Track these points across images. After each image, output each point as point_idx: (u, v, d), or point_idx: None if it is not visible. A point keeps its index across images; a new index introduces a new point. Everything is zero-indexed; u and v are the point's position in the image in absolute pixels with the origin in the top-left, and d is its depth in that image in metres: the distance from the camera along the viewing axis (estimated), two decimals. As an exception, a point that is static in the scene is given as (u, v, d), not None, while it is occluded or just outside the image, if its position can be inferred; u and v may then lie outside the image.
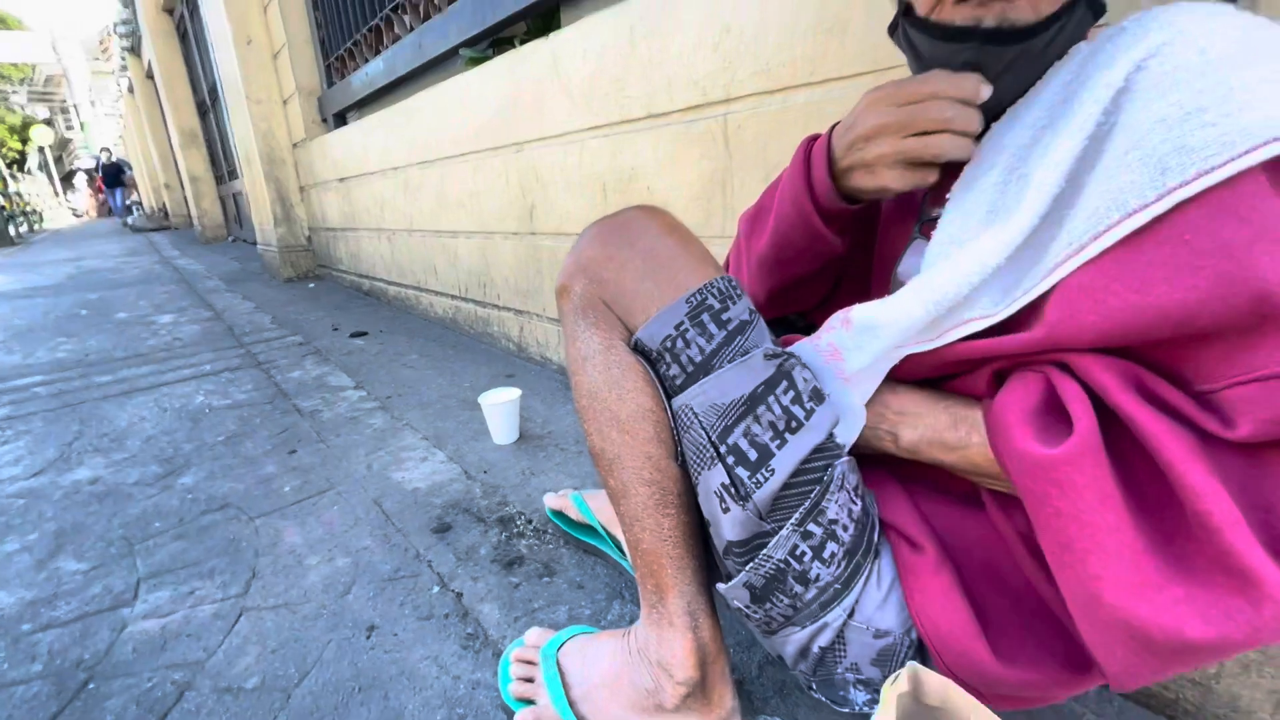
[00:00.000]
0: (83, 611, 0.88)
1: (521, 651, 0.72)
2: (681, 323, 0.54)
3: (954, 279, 0.44)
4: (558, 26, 1.65)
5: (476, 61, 1.92)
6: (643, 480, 0.58)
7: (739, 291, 0.56)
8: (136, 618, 0.87)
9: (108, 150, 14.03)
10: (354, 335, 2.42)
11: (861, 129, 0.50)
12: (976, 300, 0.45)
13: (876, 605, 0.53)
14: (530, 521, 1.05)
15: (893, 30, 0.53)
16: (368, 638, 0.81)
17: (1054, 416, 0.41)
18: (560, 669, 0.67)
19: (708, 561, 0.61)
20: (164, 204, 11.80)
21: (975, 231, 0.45)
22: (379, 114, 2.57)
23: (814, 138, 0.59)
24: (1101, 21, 0.46)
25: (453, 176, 2.12)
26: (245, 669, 0.76)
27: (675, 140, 1.24)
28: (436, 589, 0.90)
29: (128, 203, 13.49)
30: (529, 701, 0.67)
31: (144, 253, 6.62)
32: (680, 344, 0.54)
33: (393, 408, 1.62)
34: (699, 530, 0.60)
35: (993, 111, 0.48)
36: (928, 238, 0.56)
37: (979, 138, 0.49)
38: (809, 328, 0.81)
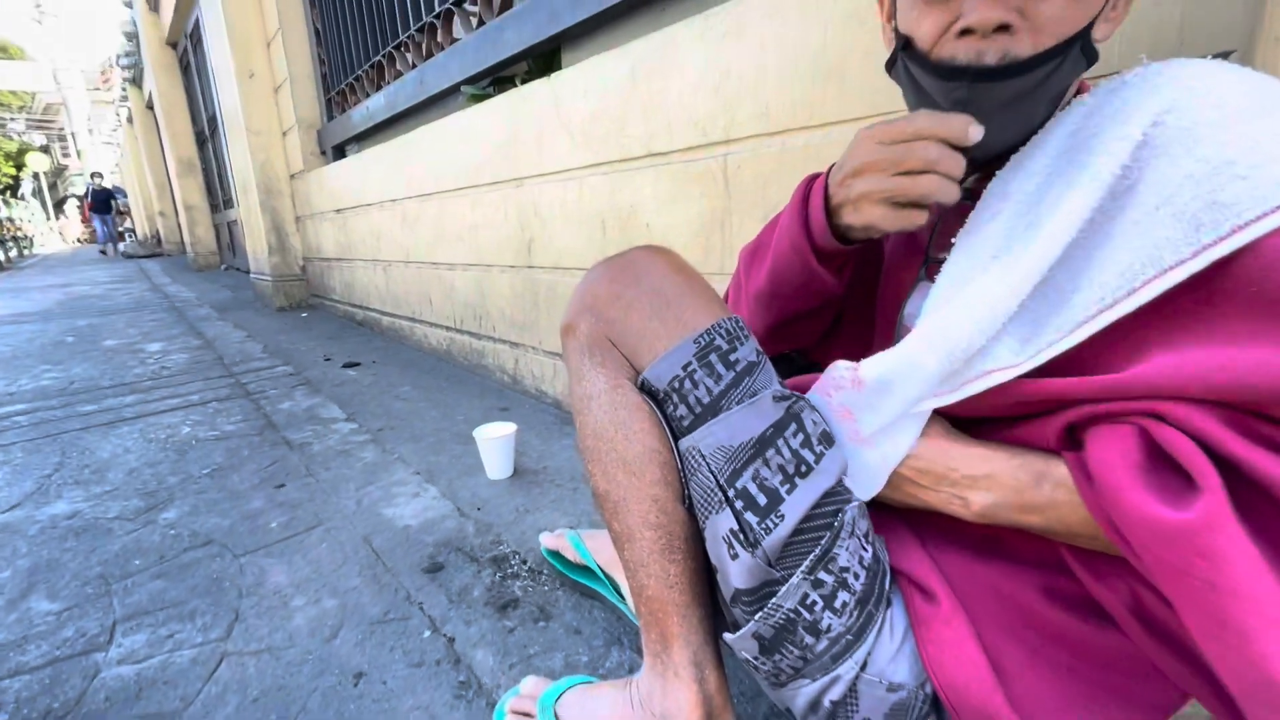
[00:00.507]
0: (54, 656, 0.84)
1: (517, 702, 0.69)
2: (689, 363, 0.53)
3: (964, 327, 0.44)
4: (559, 67, 1.68)
5: (478, 99, 1.95)
6: (649, 524, 0.56)
7: (746, 332, 0.55)
8: (111, 663, 0.83)
9: (99, 175, 13.36)
10: (346, 366, 2.40)
11: (849, 166, 0.50)
12: (993, 350, 0.44)
13: (889, 657, 0.51)
14: (525, 561, 1.02)
15: (890, 66, 0.53)
16: (355, 685, 0.77)
17: (1166, 475, 0.38)
18: (558, 721, 0.65)
19: (714, 609, 0.59)
20: (157, 231, 11.81)
21: (980, 277, 0.45)
22: (378, 147, 2.60)
23: (814, 176, 0.60)
24: (1092, 71, 0.47)
25: (451, 210, 2.14)
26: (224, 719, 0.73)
27: (675, 179, 1.26)
28: (428, 633, 0.87)
29: (120, 229, 13.24)
30: (525, 757, 0.64)
31: (135, 280, 6.58)
32: (688, 385, 0.53)
33: (384, 441, 1.59)
34: (706, 577, 0.58)
35: (994, 152, 0.48)
36: (933, 280, 0.56)
37: (984, 184, 0.50)
38: (809, 365, 0.81)
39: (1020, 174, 0.47)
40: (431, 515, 1.19)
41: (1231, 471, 0.36)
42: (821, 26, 0.94)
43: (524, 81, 1.79)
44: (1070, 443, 0.44)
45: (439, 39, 2.14)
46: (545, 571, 1.00)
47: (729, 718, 0.59)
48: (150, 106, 8.94)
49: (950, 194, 0.46)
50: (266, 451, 1.55)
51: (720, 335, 0.54)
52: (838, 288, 0.61)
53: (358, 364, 2.42)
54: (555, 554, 0.98)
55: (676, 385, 0.54)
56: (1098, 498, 0.40)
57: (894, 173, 0.47)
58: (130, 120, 10.75)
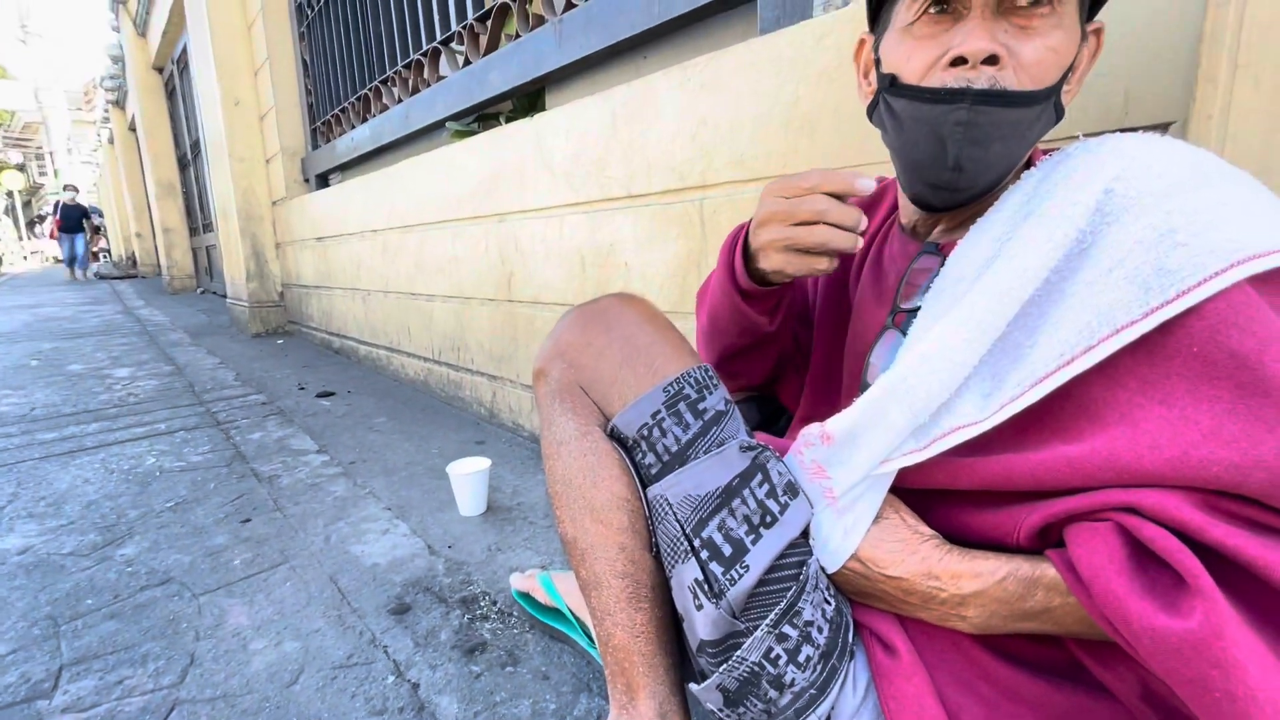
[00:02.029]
0: (-6, 704, 0.80)
1: (480, 753, 0.67)
2: (659, 411, 0.54)
3: (925, 379, 0.45)
4: (543, 108, 1.72)
5: (462, 135, 1.98)
6: (616, 573, 0.56)
7: (715, 381, 0.56)
8: (54, 712, 0.79)
9: (73, 188, 11.15)
10: (321, 395, 2.37)
11: (757, 217, 0.54)
12: (957, 406, 0.45)
13: (852, 712, 0.51)
14: (495, 603, 1.01)
15: (871, 110, 0.55)
16: (312, 736, 0.75)
17: (1156, 572, 0.38)
18: (521, 775, 0.63)
19: (681, 659, 0.59)
20: (133, 253, 11.61)
21: (940, 331, 0.46)
22: (362, 178, 2.61)
23: (746, 224, 0.63)
24: (1048, 136, 0.50)
25: (432, 242, 2.15)
26: (172, 774, 0.70)
27: (653, 220, 1.29)
28: (392, 678, 0.84)
29: (94, 250, 12.33)
30: (486, 812, 0.63)
31: (106, 302, 6.46)
32: (657, 433, 0.54)
33: (356, 474, 1.57)
34: (672, 626, 0.58)
35: (978, 188, 0.50)
36: (899, 328, 0.58)
37: (952, 242, 0.52)
38: (779, 410, 0.82)
39: (981, 239, 0.49)
40: (401, 553, 1.17)
41: (1214, 556, 0.36)
42: (795, 82, 0.99)
43: (508, 120, 1.83)
44: (1048, 538, 0.44)
45: (425, 76, 2.18)
46: (515, 613, 0.98)
47: (694, 770, 0.58)
48: (133, 129, 8.90)
49: (844, 242, 0.49)
50: (234, 484, 1.52)
51: (689, 384, 0.55)
52: (768, 326, 0.65)
53: (332, 394, 2.39)
54: (525, 596, 0.96)
55: (645, 433, 0.54)
56: (1096, 604, 0.39)
57: (790, 223, 0.50)
58: (111, 141, 10.67)
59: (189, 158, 6.79)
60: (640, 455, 0.55)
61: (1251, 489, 0.36)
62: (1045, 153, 0.51)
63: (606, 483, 0.56)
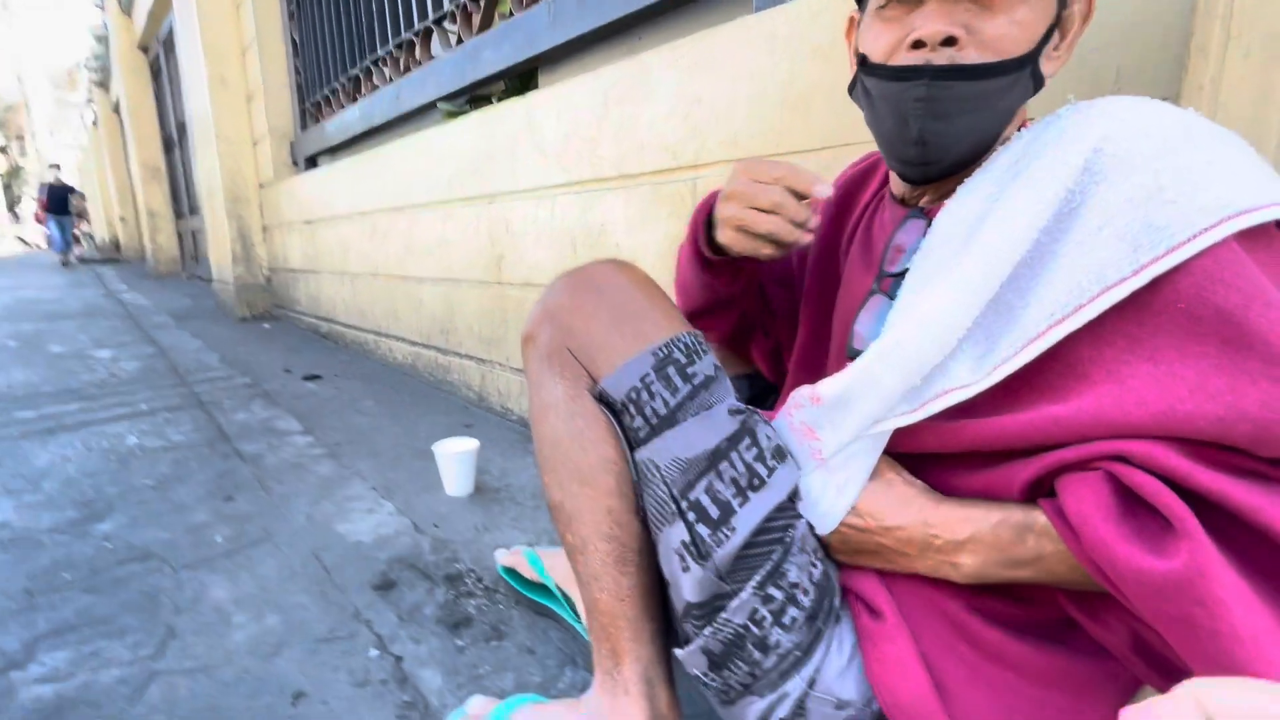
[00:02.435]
0: (-34, 674, 0.79)
1: (462, 722, 0.67)
2: (647, 374, 0.54)
3: (919, 343, 0.45)
4: (535, 87, 1.71)
5: (453, 115, 1.96)
6: (602, 535, 0.56)
7: (705, 347, 0.56)
8: (29, 682, 0.78)
9: (57, 168, 10.64)
10: (307, 378, 2.34)
11: (724, 189, 0.56)
12: (951, 368, 0.45)
13: (837, 674, 0.51)
14: (480, 580, 1.00)
15: (851, 88, 0.56)
16: (294, 705, 0.74)
17: (1144, 518, 0.39)
18: (504, 742, 0.63)
19: (667, 626, 0.59)
20: (116, 237, 11.43)
21: (934, 295, 0.46)
22: (351, 159, 2.58)
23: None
24: (1042, 109, 0.50)
25: (422, 223, 2.13)
26: (149, 742, 0.69)
27: (645, 200, 1.28)
28: (375, 652, 0.84)
29: (77, 232, 11.95)
30: (468, 779, 0.62)
31: (89, 285, 6.35)
32: (645, 396, 0.54)
33: (342, 455, 1.55)
34: (658, 591, 0.58)
35: (951, 159, 0.50)
36: (885, 292, 0.58)
37: (938, 207, 0.52)
38: (768, 388, 0.82)
39: (970, 199, 0.49)
40: (386, 531, 1.16)
41: (1202, 502, 0.37)
42: (789, 60, 0.98)
43: (500, 100, 1.81)
44: (1040, 491, 0.44)
45: (417, 56, 2.15)
46: (501, 590, 0.97)
47: (679, 736, 0.58)
48: (117, 110, 8.74)
49: (791, 236, 0.52)
50: (216, 463, 1.50)
51: (679, 349, 0.55)
52: (725, 290, 0.67)
53: (319, 377, 2.36)
54: (511, 571, 0.96)
55: (634, 396, 0.54)
56: (1085, 550, 0.40)
57: (748, 205, 0.53)
58: (95, 123, 10.48)
59: (174, 140, 6.68)
60: (628, 419, 0.55)
61: (1237, 440, 0.36)
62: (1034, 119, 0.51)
63: (594, 446, 0.55)
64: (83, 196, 11.02)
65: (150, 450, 1.58)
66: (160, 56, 6.39)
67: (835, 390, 0.50)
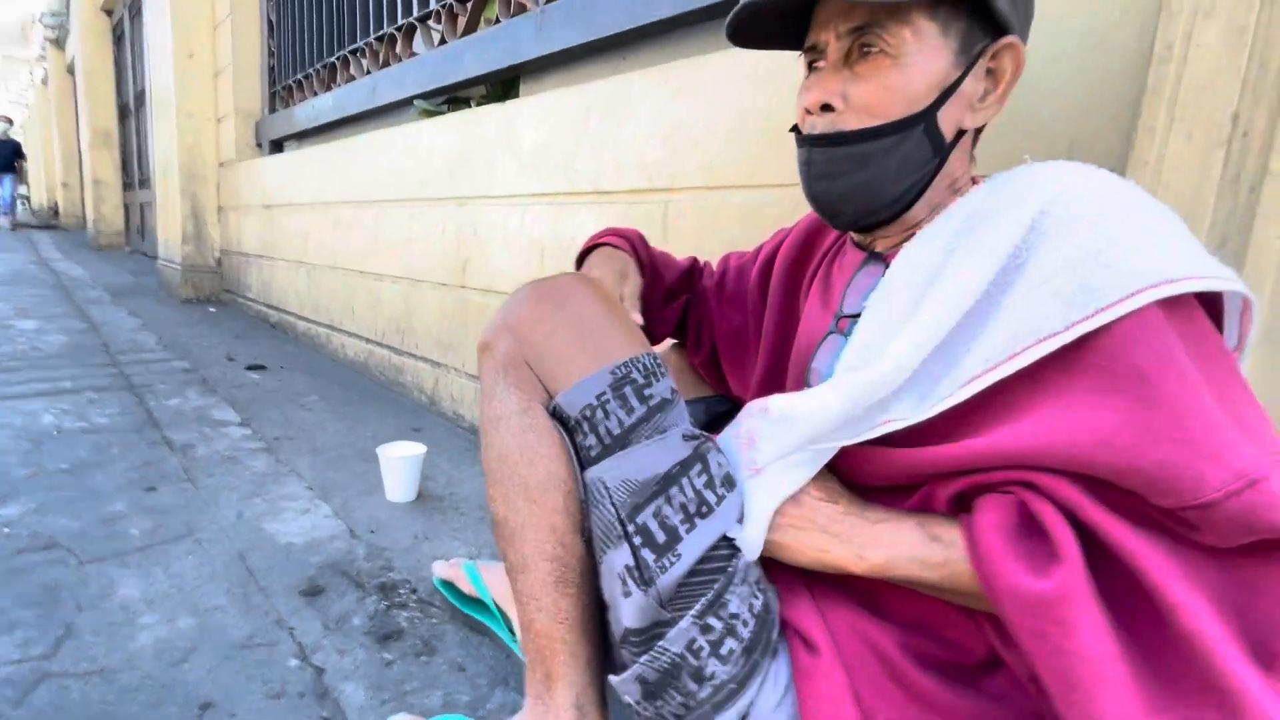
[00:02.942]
0: None
1: (382, 743, 0.64)
2: (604, 393, 0.53)
3: (872, 378, 0.47)
4: (516, 96, 1.70)
5: (430, 114, 1.94)
6: (545, 554, 0.54)
7: (663, 370, 0.56)
8: (-103, 678, 0.71)
9: (8, 121, 9.56)
10: (250, 368, 2.24)
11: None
12: (892, 405, 0.47)
13: (771, 708, 0.51)
14: (415, 591, 0.96)
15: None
16: (198, 718, 0.69)
17: (1035, 541, 0.41)
18: (424, 765, 0.60)
19: (604, 653, 0.58)
20: (56, 203, 10.79)
21: (889, 336, 0.48)
22: (320, 147, 2.51)
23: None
24: (981, 172, 0.54)
25: (388, 220, 2.08)
26: (30, 752, 0.63)
27: (617, 218, 1.28)
28: (295, 662, 0.79)
29: (16, 195, 11.03)
30: (382, 804, 0.59)
31: (19, 250, 5.97)
32: (600, 414, 0.53)
33: (280, 451, 1.49)
34: (597, 616, 0.56)
35: (850, 216, 0.55)
36: (842, 332, 0.59)
37: (894, 252, 0.54)
38: (726, 414, 0.82)
39: (926, 248, 0.51)
40: (319, 534, 1.11)
41: (1093, 537, 0.40)
42: (769, 95, 1.00)
43: (479, 105, 1.80)
44: (962, 508, 0.47)
45: (398, 51, 2.12)
46: (436, 603, 0.94)
47: (607, 766, 0.57)
48: (71, 71, 8.32)
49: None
50: (142, 450, 1.41)
51: (637, 369, 0.54)
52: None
53: (263, 367, 2.26)
54: (448, 584, 0.93)
55: (588, 414, 0.53)
56: (975, 560, 0.43)
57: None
58: (45, 82, 9.95)
59: (131, 108, 6.39)
60: (581, 437, 0.54)
61: (1134, 487, 0.39)
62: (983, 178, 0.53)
63: (544, 461, 0.54)
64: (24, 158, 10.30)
65: (69, 432, 1.48)
66: (125, 21, 6.13)
67: (783, 406, 0.51)
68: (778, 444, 0.51)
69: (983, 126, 0.53)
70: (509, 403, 0.56)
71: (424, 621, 0.89)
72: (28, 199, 13.30)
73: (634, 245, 0.77)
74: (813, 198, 0.55)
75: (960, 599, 0.48)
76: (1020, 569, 0.40)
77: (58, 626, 0.81)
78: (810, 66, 0.55)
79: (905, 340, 0.46)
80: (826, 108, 0.52)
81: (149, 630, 0.82)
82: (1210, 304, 0.43)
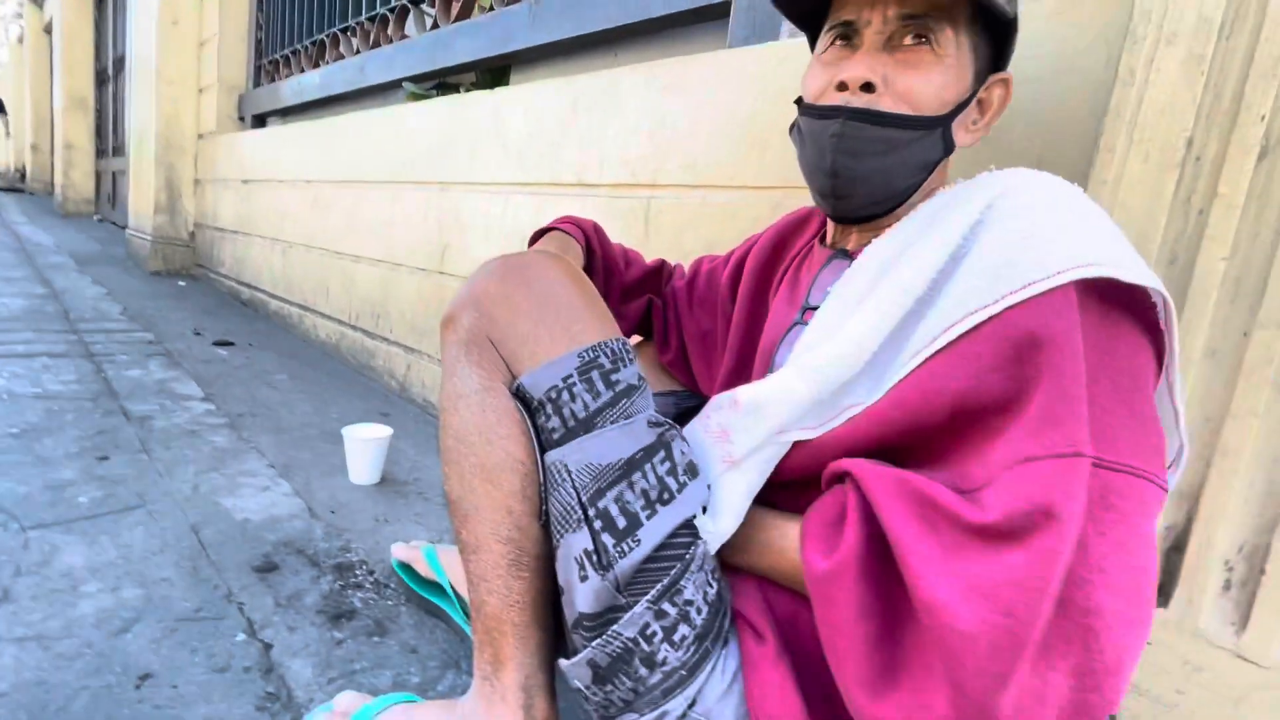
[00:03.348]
0: None
1: (327, 718, 0.63)
2: (570, 375, 0.53)
3: (833, 360, 0.48)
4: (507, 85, 1.69)
5: (418, 97, 1.92)
6: (499, 537, 0.54)
7: (631, 356, 0.56)
8: None
9: None
10: (218, 344, 2.19)
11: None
12: (854, 388, 0.48)
13: (719, 696, 0.51)
14: (372, 573, 0.95)
15: (792, 129, 0.59)
16: (137, 688, 0.67)
17: (838, 527, 0.45)
18: (369, 743, 0.59)
19: (555, 637, 0.57)
20: (24, 165, 10.42)
21: (849, 320, 0.50)
22: (303, 124, 2.47)
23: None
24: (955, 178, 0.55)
25: (369, 201, 2.05)
26: (-45, 715, 0.61)
27: (600, 211, 1.28)
28: (242, 636, 0.78)
29: None
30: (323, 779, 0.58)
31: (-19, 211, 5.76)
32: (566, 396, 0.53)
33: (242, 427, 1.45)
34: (550, 600, 0.56)
35: (860, 205, 0.55)
36: (806, 324, 0.60)
37: (861, 249, 0.56)
38: (693, 410, 0.83)
39: (889, 242, 0.53)
40: (278, 512, 1.09)
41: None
42: (754, 98, 1.02)
43: (469, 92, 1.79)
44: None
45: (389, 32, 2.10)
46: (392, 586, 0.93)
47: (554, 748, 0.56)
48: (49, 31, 8.05)
49: None
50: (96, 419, 1.37)
51: (605, 354, 0.54)
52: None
53: (231, 344, 2.21)
54: (406, 567, 0.92)
55: (553, 395, 0.53)
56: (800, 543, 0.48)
57: None
58: (21, 40, 9.62)
59: (109, 74, 6.21)
60: (544, 419, 0.54)
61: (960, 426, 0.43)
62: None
63: (502, 442, 0.54)
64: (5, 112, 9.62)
65: (18, 396, 1.43)
66: (108, -17, 5.96)
67: (752, 396, 0.52)
68: (750, 435, 0.52)
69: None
70: (470, 381, 0.55)
71: (378, 603, 0.88)
72: (-6, 160, 12.79)
73: (587, 234, 0.78)
74: (830, 173, 0.53)
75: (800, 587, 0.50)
76: (817, 551, 0.45)
77: (-6, 591, 0.79)
78: (841, 41, 0.54)
79: (863, 322, 0.48)
80: (868, 86, 0.51)
81: (91, 599, 0.80)
82: (1146, 313, 0.44)
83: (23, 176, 10.39)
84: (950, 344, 0.44)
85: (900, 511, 0.41)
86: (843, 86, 0.52)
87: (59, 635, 0.73)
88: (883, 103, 0.51)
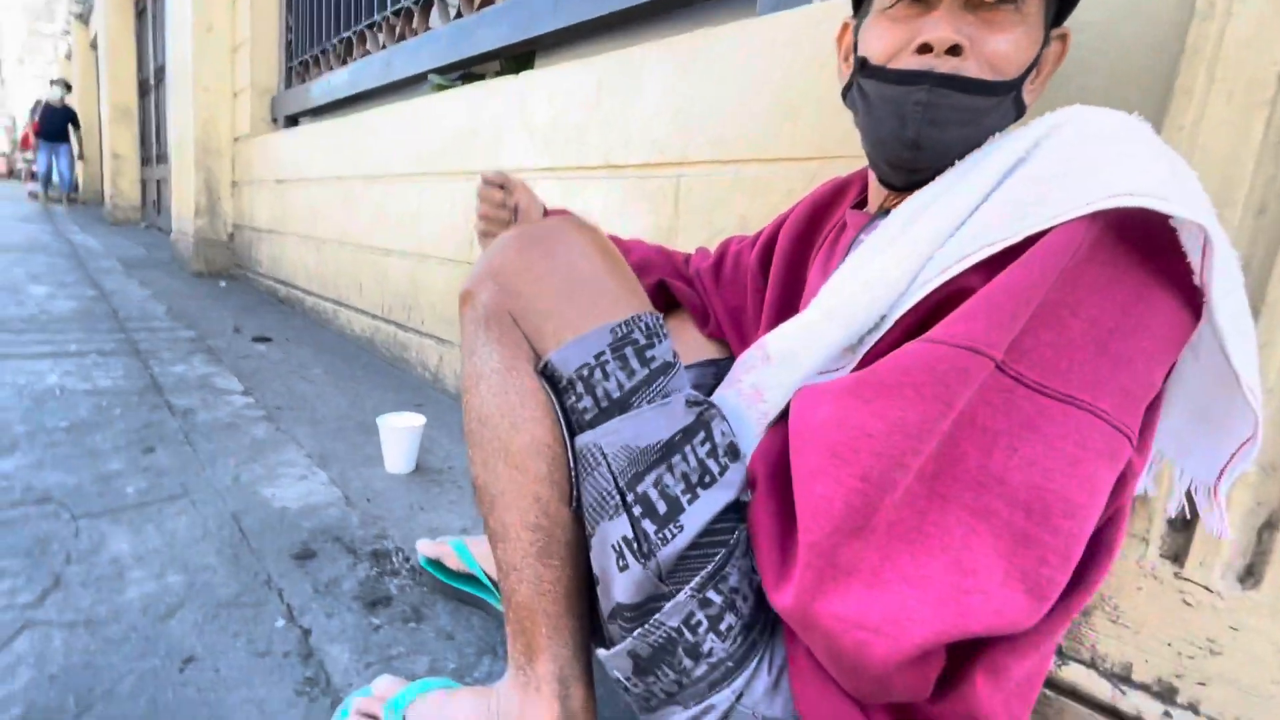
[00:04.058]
0: None
1: (365, 703, 0.62)
2: (603, 352, 0.50)
3: (861, 300, 0.46)
4: (531, 70, 1.67)
5: (443, 88, 1.92)
6: (527, 524, 0.52)
7: (665, 331, 0.53)
8: (-118, 620, 0.70)
9: (63, 85, 8.11)
10: (256, 340, 2.24)
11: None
12: (884, 326, 0.46)
13: (766, 690, 0.49)
14: (408, 559, 0.95)
15: (846, 92, 0.55)
16: (181, 671, 0.68)
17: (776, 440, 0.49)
18: (406, 728, 0.58)
19: (589, 623, 0.55)
20: (75, 177, 10.86)
21: (878, 259, 0.48)
22: (333, 122, 2.50)
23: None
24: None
25: (397, 194, 2.07)
26: (7, 696, 0.62)
27: (627, 193, 1.26)
28: (281, 622, 0.78)
29: (34, 168, 10.11)
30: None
31: (37, 221, 6.03)
32: (599, 375, 0.50)
33: (280, 420, 1.48)
34: (584, 587, 0.54)
35: (928, 167, 0.50)
36: None
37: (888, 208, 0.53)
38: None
39: (925, 192, 0.49)
40: (315, 500, 1.10)
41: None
42: (784, 67, 0.97)
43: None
44: None
45: (414, 25, 2.10)
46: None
47: (592, 738, 0.55)
48: (94, 46, 8.37)
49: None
50: (143, 414, 1.41)
51: (639, 329, 0.51)
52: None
53: (269, 339, 2.26)
54: (435, 563, 0.90)
55: (585, 374, 0.50)
56: None
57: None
58: (69, 57, 10.02)
59: (151, 84, 6.41)
60: (574, 399, 0.51)
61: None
62: None
63: (528, 425, 0.51)
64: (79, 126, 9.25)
65: (71, 392, 1.48)
66: (147, -4, 6.15)
67: (783, 347, 0.50)
68: (784, 388, 0.50)
69: None
70: (491, 360, 0.53)
71: (414, 589, 0.88)
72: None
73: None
74: (913, 144, 0.49)
75: None
76: (758, 463, 0.49)
77: (46, 577, 0.80)
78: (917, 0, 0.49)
79: (892, 262, 0.45)
80: (955, 49, 0.46)
81: (137, 585, 0.81)
82: (1179, 262, 0.39)
83: (75, 187, 10.80)
84: (961, 274, 0.42)
85: (802, 396, 0.45)
86: (926, 48, 0.47)
87: (106, 620, 0.74)
88: (968, 67, 0.47)
